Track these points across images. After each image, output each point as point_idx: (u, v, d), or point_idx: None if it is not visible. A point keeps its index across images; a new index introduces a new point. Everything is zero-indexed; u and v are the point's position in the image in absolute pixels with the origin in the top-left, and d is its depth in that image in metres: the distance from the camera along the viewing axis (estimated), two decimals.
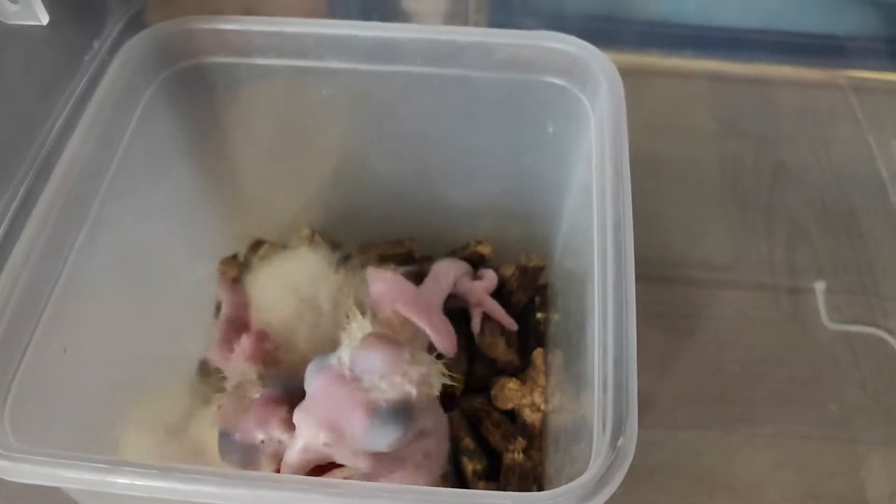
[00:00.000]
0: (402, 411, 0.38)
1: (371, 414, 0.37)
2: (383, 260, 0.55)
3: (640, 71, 0.78)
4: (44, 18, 0.40)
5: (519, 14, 0.77)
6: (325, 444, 0.37)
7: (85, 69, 0.43)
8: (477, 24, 0.78)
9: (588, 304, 0.40)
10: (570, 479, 0.32)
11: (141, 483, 0.31)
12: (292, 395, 0.41)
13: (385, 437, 0.38)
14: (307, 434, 0.38)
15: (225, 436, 0.41)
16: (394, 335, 0.41)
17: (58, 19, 0.41)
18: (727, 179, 0.73)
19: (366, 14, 0.79)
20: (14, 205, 0.38)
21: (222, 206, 0.56)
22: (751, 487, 0.55)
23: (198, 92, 0.49)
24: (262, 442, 0.41)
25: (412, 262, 0.57)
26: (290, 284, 0.49)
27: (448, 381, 0.41)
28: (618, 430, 0.32)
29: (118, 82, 0.44)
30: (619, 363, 0.34)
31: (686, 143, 0.76)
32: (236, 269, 0.58)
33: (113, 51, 0.45)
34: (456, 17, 0.79)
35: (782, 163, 0.74)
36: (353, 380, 0.38)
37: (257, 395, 0.42)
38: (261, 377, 0.43)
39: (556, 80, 0.47)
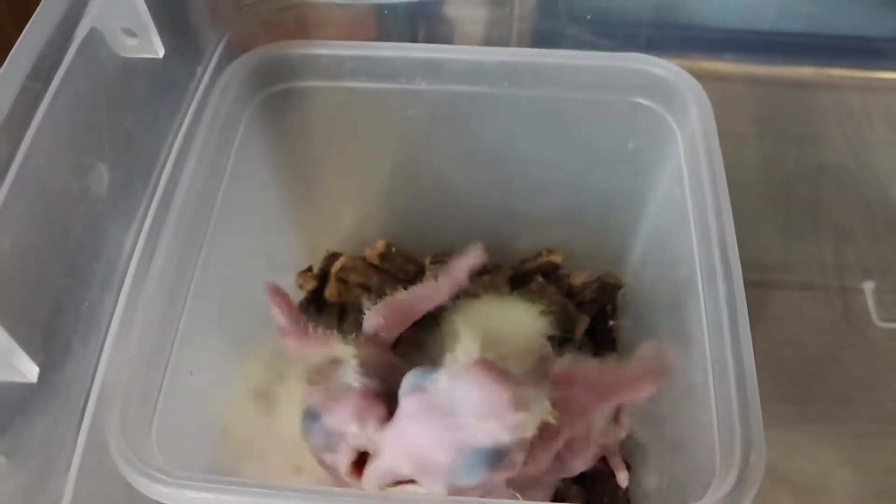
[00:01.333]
0: (492, 455, 0.35)
1: (458, 454, 0.34)
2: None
3: None
4: (160, 51, 0.41)
5: (564, 22, 0.78)
6: (408, 472, 0.36)
7: (191, 97, 0.44)
8: (521, 33, 0.79)
9: (690, 317, 0.41)
10: (682, 489, 0.34)
11: None
12: (389, 394, 0.39)
13: (470, 477, 0.35)
14: (390, 460, 0.36)
15: (312, 415, 0.39)
16: (503, 367, 0.36)
17: (168, 51, 0.42)
18: (771, 181, 0.75)
19: (413, 21, 0.80)
20: (142, 237, 0.39)
21: (300, 220, 0.58)
22: (812, 484, 0.57)
23: (287, 114, 0.51)
24: (353, 434, 0.38)
25: (483, 273, 0.58)
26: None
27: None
28: (748, 446, 0.34)
29: (221, 108, 0.46)
30: (741, 381, 0.36)
31: (729, 146, 0.77)
32: (314, 282, 0.59)
33: (214, 77, 0.46)
34: (501, 24, 0.80)
35: (823, 164, 0.76)
36: (445, 413, 0.35)
37: (357, 384, 0.39)
38: (361, 363, 0.40)
39: (641, 100, 0.48)
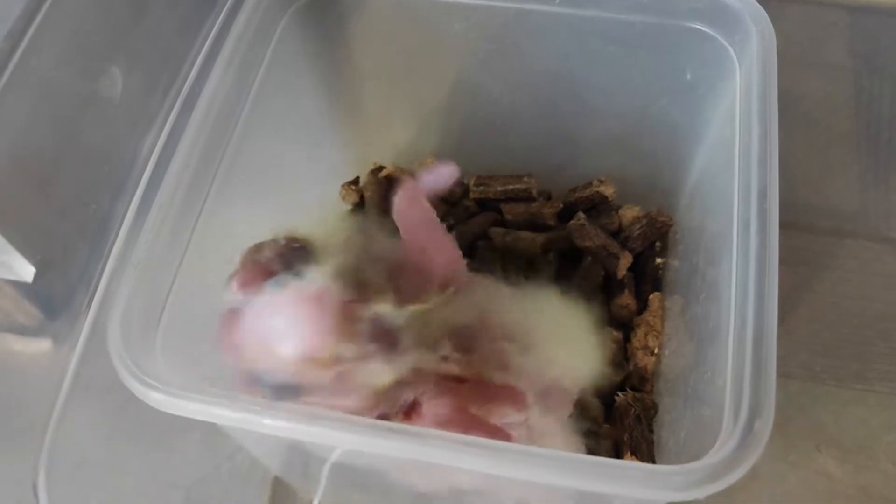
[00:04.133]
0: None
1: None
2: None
3: None
4: None
5: None
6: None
7: (222, 2, 0.43)
8: None
9: (723, 268, 0.39)
10: (691, 442, 0.32)
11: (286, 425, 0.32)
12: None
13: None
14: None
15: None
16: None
17: None
18: (861, 121, 0.70)
19: None
20: (161, 140, 0.39)
21: (345, 131, 0.57)
22: (860, 446, 0.55)
23: (328, 23, 0.49)
24: None
25: (531, 200, 0.56)
26: None
27: None
28: (754, 411, 0.32)
29: (254, 14, 0.44)
30: (758, 340, 0.33)
31: (819, 78, 0.71)
32: (355, 196, 0.58)
33: None
34: None
35: None
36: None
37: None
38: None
39: (701, 27, 0.45)
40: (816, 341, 0.59)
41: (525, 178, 0.56)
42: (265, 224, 0.47)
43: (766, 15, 0.42)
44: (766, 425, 0.32)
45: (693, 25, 0.45)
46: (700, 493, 0.31)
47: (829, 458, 0.55)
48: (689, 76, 0.47)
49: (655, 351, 0.51)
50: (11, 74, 0.30)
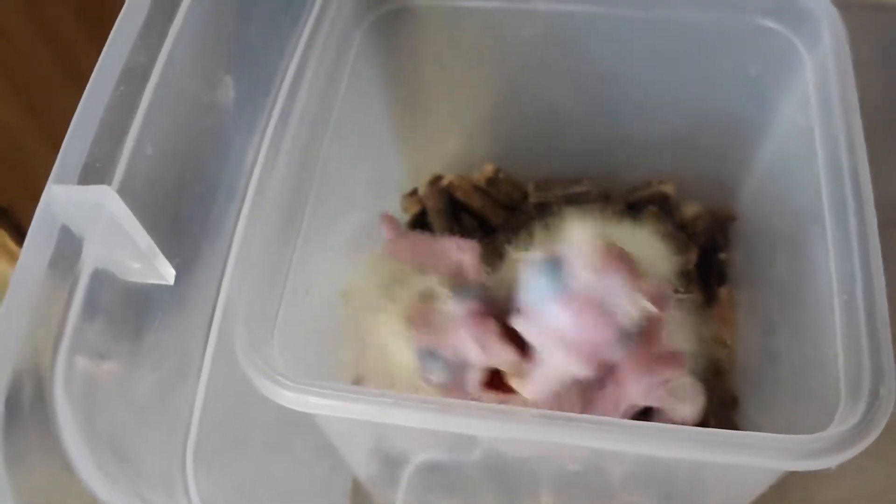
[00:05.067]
0: (632, 333, 0.36)
1: (613, 335, 0.35)
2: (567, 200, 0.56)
3: None
4: None
5: None
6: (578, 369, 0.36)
7: (307, 13, 0.44)
8: None
9: (812, 250, 0.40)
10: (798, 421, 0.33)
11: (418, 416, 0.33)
12: (494, 308, 0.39)
13: (622, 352, 0.36)
14: (559, 362, 0.36)
15: (428, 355, 0.39)
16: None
17: None
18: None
19: None
20: (262, 149, 0.40)
21: (406, 142, 0.58)
22: None
23: (400, 34, 0.50)
24: (478, 358, 0.38)
25: (592, 202, 0.57)
26: None
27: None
28: (877, 377, 0.33)
29: (336, 26, 0.45)
30: (871, 317, 0.34)
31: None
32: (418, 205, 0.59)
33: None
34: None
35: None
36: (597, 303, 0.35)
37: (460, 309, 0.39)
38: (451, 288, 0.39)
39: (768, 23, 0.46)
40: None
41: (585, 181, 0.57)
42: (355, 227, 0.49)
43: (834, 8, 0.44)
44: (890, 391, 0.33)
45: (759, 22, 0.47)
46: (837, 459, 0.32)
47: (893, 445, 0.55)
48: (752, 71, 0.49)
49: (728, 342, 0.52)
50: (157, 85, 0.31)
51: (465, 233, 0.57)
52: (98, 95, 0.32)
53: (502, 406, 0.34)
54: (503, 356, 0.38)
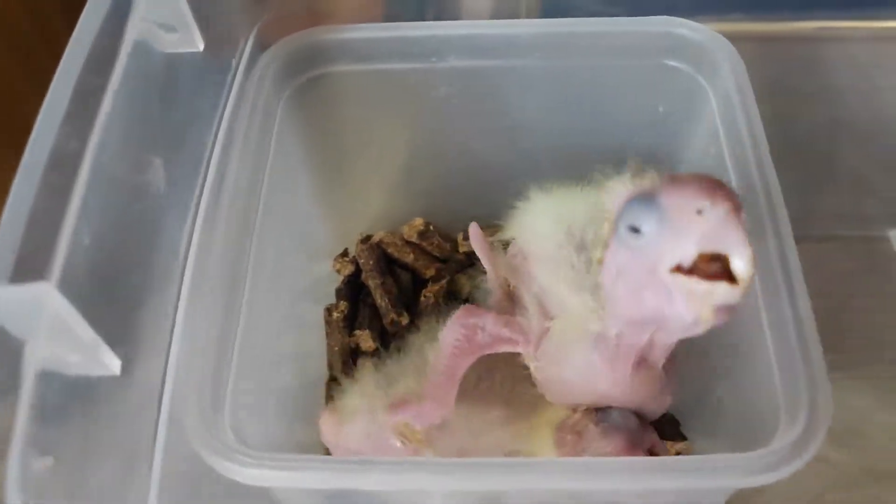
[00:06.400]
0: None
1: None
2: None
3: None
4: (200, 44, 0.42)
5: None
6: None
7: (229, 89, 0.45)
8: (529, 6, 0.79)
9: None
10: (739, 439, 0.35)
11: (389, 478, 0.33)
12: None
13: None
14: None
15: None
16: None
17: (205, 45, 0.43)
18: (786, 138, 0.76)
19: (420, 6, 0.80)
20: (196, 229, 0.40)
21: (334, 204, 0.58)
22: (853, 429, 0.58)
23: (320, 100, 0.51)
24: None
25: None
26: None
27: None
28: (814, 393, 0.35)
29: (258, 98, 0.46)
30: (801, 333, 0.36)
31: None
32: (351, 266, 0.60)
33: (248, 68, 0.47)
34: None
35: (837, 117, 0.76)
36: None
37: (614, 435, 0.41)
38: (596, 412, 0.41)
39: (671, 62, 0.49)
40: None
41: None
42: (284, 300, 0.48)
43: (730, 44, 0.47)
44: (827, 398, 0.35)
45: (663, 62, 0.49)
46: (785, 472, 0.33)
47: (827, 446, 0.58)
48: (661, 109, 0.51)
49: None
50: (90, 173, 0.30)
51: (399, 287, 0.58)
52: (28, 186, 0.31)
53: (459, 460, 0.35)
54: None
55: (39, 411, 0.30)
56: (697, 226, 0.31)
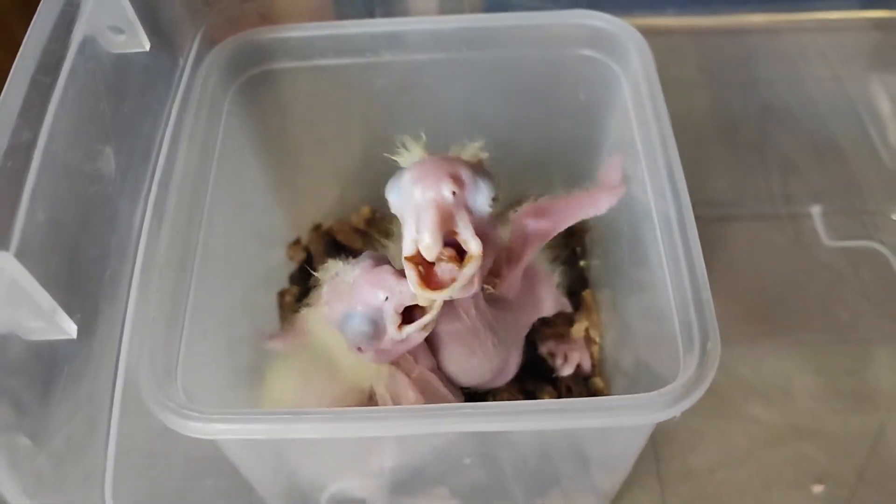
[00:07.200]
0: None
1: None
2: None
3: None
4: (146, 45, 0.45)
5: None
6: None
7: (176, 86, 0.48)
8: (472, 4, 0.83)
9: (648, 243, 0.46)
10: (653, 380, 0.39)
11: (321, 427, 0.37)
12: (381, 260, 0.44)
13: None
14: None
15: (350, 315, 0.42)
16: None
17: (152, 45, 0.46)
18: (718, 124, 0.80)
19: (369, 6, 0.83)
20: (147, 213, 0.43)
21: (285, 195, 0.62)
22: (779, 390, 0.63)
23: (264, 96, 0.55)
24: (387, 299, 0.41)
25: None
26: None
27: None
28: (705, 338, 0.39)
29: (204, 94, 0.50)
30: (695, 287, 0.40)
31: (677, 93, 0.82)
32: (303, 253, 0.63)
33: (195, 67, 0.50)
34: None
35: (766, 104, 0.81)
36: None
37: (357, 270, 0.43)
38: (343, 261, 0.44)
39: (588, 52, 0.53)
40: (726, 313, 0.67)
41: None
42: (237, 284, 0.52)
43: (639, 34, 0.51)
44: (716, 345, 0.39)
45: (581, 52, 0.53)
46: (681, 407, 0.37)
47: (756, 407, 0.62)
48: (582, 97, 0.56)
49: (597, 340, 0.58)
50: (42, 159, 0.34)
51: None
52: None
53: (392, 407, 0.38)
54: (401, 288, 0.41)
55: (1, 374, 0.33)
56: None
